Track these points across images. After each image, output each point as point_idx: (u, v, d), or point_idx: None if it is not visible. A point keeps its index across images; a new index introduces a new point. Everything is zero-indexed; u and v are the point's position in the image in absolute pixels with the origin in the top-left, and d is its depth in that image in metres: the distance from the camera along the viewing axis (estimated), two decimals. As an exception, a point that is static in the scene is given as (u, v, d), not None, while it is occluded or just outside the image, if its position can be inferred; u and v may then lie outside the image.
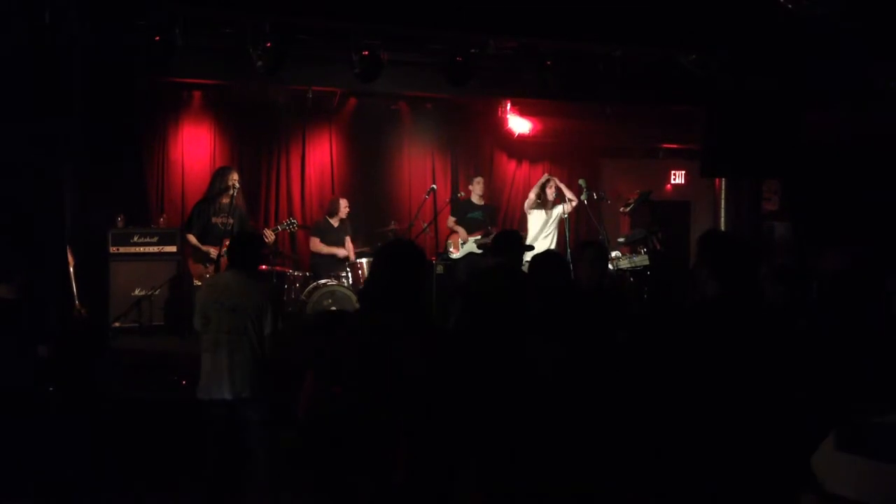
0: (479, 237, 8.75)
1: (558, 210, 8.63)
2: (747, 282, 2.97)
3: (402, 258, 2.93)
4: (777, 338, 2.95)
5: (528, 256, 7.89)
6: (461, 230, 8.97)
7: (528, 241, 8.22)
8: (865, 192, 7.74)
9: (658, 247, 8.29)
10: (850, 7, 4.78)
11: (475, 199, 9.14)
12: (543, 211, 8.68)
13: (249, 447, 4.57)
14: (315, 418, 2.88)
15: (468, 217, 9.02)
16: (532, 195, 8.73)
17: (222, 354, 4.48)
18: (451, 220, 9.15)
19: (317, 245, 8.60)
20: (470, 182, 9.35)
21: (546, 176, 8.88)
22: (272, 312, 4.57)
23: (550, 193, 8.61)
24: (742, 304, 2.93)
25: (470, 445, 2.73)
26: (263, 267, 8.06)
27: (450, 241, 9.02)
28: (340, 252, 8.56)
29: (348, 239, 8.66)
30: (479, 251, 8.61)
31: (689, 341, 2.91)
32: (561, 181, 8.90)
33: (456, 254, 8.86)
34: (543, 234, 8.64)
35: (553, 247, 8.48)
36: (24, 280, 4.42)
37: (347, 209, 8.73)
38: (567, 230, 8.41)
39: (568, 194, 8.57)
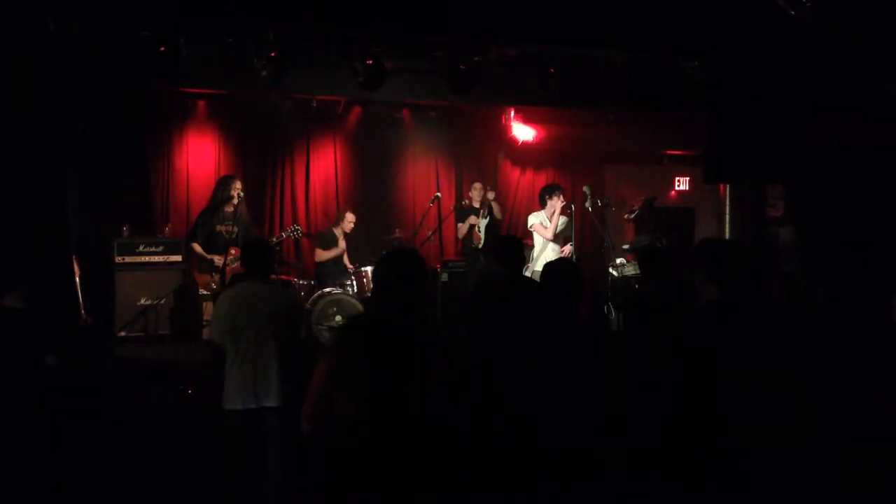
0: None
1: (563, 220, 8.47)
2: (745, 287, 2.98)
3: (402, 264, 2.93)
4: (776, 341, 2.95)
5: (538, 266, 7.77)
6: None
7: (535, 252, 8.18)
8: (869, 195, 7.70)
9: (662, 253, 8.23)
10: (851, 10, 4.78)
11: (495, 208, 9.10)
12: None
13: (267, 455, 4.57)
14: (325, 426, 2.87)
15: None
16: (550, 229, 8.22)
17: (255, 363, 4.46)
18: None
19: (320, 255, 8.59)
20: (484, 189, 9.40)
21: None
22: (299, 319, 4.61)
23: (557, 204, 8.35)
24: (740, 309, 2.94)
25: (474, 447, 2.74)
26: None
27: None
28: (340, 246, 8.52)
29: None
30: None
31: (687, 345, 2.92)
32: (565, 188, 8.83)
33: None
34: (551, 247, 8.48)
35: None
36: (30, 289, 4.44)
37: (353, 224, 8.67)
38: (572, 236, 8.34)
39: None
